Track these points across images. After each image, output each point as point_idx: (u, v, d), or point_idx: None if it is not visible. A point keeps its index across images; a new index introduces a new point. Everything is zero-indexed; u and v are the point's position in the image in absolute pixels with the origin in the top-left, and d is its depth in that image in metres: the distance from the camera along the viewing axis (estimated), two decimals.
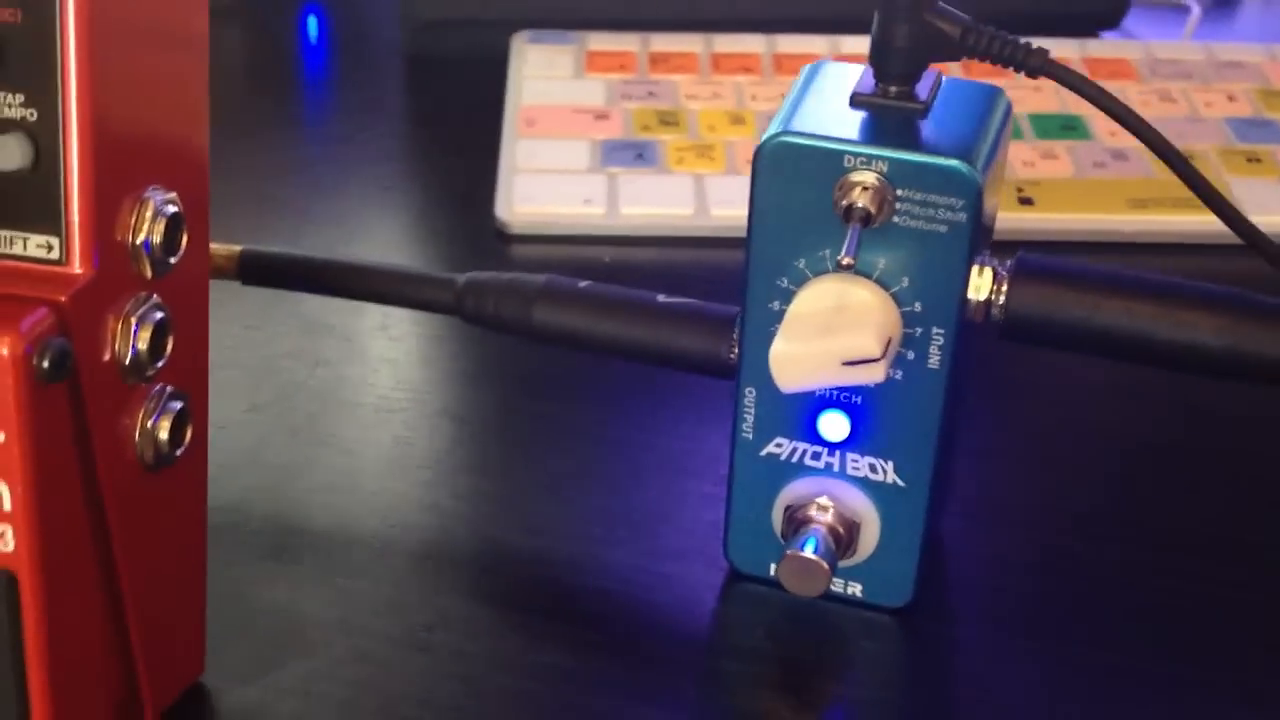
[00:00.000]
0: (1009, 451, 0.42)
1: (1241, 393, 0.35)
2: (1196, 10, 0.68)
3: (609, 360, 0.38)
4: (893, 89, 0.32)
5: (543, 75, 0.58)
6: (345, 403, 0.43)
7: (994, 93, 0.34)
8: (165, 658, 0.32)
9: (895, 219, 0.32)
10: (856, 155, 0.31)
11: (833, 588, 0.36)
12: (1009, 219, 0.51)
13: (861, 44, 0.58)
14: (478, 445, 0.42)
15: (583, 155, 0.53)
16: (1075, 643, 0.36)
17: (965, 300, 0.33)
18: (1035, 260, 0.34)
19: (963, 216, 0.31)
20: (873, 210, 0.31)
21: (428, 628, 0.35)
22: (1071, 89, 0.32)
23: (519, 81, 0.58)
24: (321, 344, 0.45)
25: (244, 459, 0.40)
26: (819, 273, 0.33)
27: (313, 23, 0.70)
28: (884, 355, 0.31)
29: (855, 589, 0.36)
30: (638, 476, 0.40)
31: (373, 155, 0.57)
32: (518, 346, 0.39)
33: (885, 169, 0.31)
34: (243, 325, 0.46)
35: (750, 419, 0.35)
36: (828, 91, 0.33)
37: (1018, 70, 0.32)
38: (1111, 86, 0.58)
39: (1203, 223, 0.52)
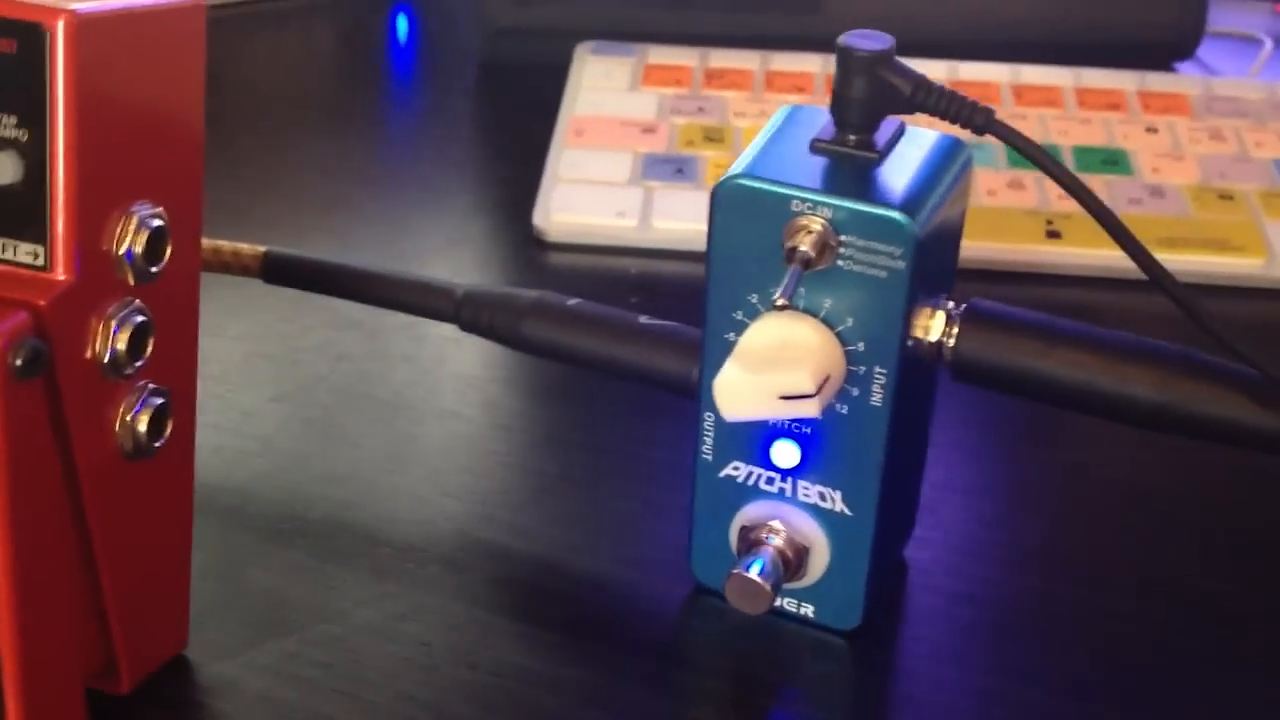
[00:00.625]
0: (983, 489, 0.43)
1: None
2: (1268, 45, 0.67)
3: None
4: (851, 137, 0.34)
5: (599, 86, 0.60)
6: (360, 396, 0.45)
7: (953, 144, 0.35)
8: (144, 631, 0.35)
9: (839, 262, 0.33)
10: (804, 200, 0.33)
11: (786, 607, 0.38)
12: (1034, 251, 0.52)
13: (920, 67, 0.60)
14: (475, 446, 0.44)
15: (624, 168, 0.55)
16: (1022, 683, 0.37)
17: (907, 341, 0.34)
18: (986, 306, 0.35)
19: (901, 264, 0.33)
20: (814, 254, 0.32)
21: (400, 618, 0.38)
22: (1014, 147, 0.33)
23: (576, 91, 0.60)
24: (347, 340, 0.48)
25: (259, 445, 0.43)
26: (770, 308, 0.34)
27: (402, 22, 0.73)
28: (818, 392, 0.33)
29: (808, 610, 0.38)
30: (622, 486, 0.42)
31: (430, 156, 0.59)
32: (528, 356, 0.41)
33: (830, 215, 0.33)
34: (276, 318, 0.48)
35: (710, 441, 0.37)
36: (793, 136, 0.35)
37: (964, 127, 0.33)
38: (1161, 122, 0.58)
39: (1232, 265, 0.52)
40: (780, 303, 0.32)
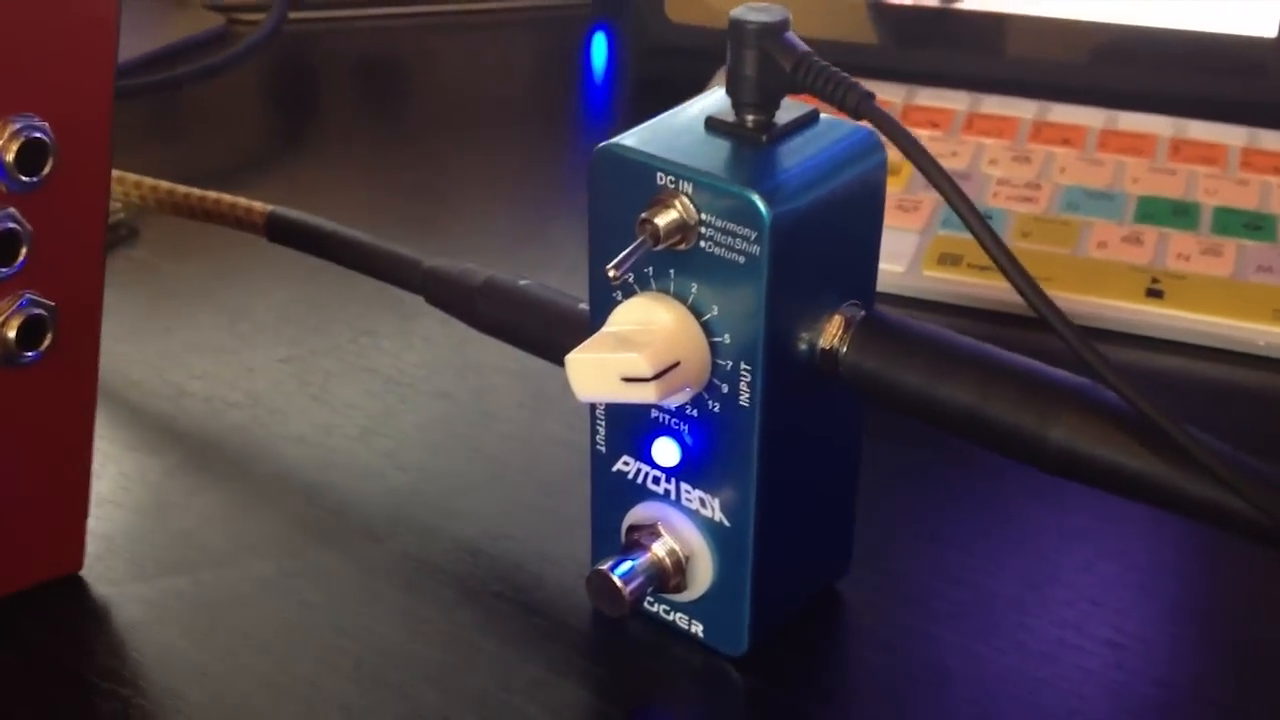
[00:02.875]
0: (951, 537, 0.39)
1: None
2: None
3: None
4: (749, 118, 0.31)
5: None
6: (364, 370, 0.45)
7: (865, 138, 0.32)
8: (25, 543, 0.35)
9: (703, 243, 0.31)
10: (668, 173, 0.31)
11: (678, 623, 0.35)
12: (1126, 309, 0.47)
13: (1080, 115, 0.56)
14: (451, 428, 0.43)
15: None
16: None
17: (790, 341, 0.31)
18: (888, 318, 0.32)
19: (757, 250, 0.30)
20: (661, 225, 0.30)
21: (293, 574, 0.37)
22: (886, 135, 0.30)
23: None
24: (380, 316, 0.48)
25: (248, 400, 0.44)
26: (644, 289, 0.32)
27: (599, 40, 0.73)
28: (658, 377, 0.31)
29: (697, 629, 0.35)
30: (573, 480, 0.41)
31: (573, 183, 0.58)
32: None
33: (691, 191, 0.30)
34: (320, 287, 0.49)
35: (602, 430, 0.35)
36: (699, 114, 0.33)
37: (839, 109, 0.30)
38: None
39: None
40: (611, 274, 0.30)
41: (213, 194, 0.45)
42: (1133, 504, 0.40)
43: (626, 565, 0.34)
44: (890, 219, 0.51)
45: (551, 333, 0.37)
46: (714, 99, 0.33)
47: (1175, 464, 0.29)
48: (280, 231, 0.43)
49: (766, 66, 0.31)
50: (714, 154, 0.31)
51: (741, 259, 0.30)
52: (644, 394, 0.31)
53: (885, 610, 0.37)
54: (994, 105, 0.58)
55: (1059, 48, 0.61)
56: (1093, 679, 0.35)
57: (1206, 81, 0.60)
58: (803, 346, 0.32)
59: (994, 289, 0.48)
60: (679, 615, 0.35)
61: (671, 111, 0.33)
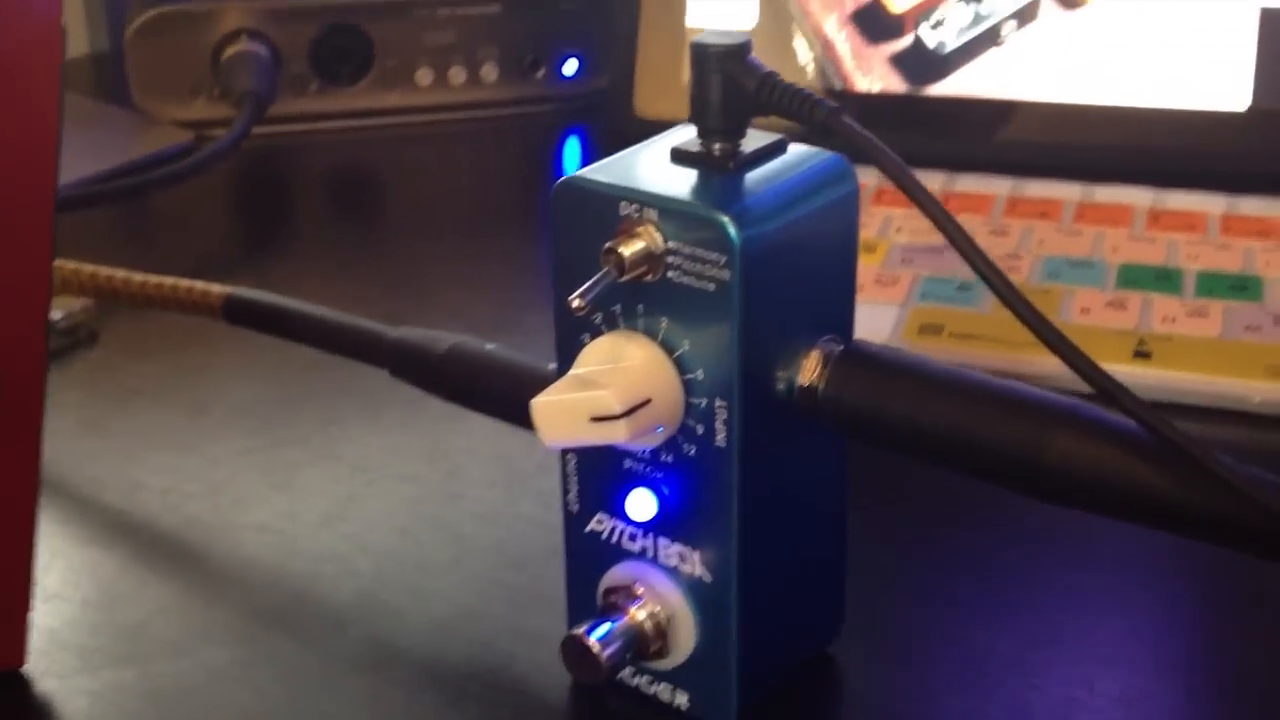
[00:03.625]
0: (954, 597, 0.37)
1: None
2: None
3: None
4: (715, 146, 0.30)
5: None
6: (329, 457, 0.44)
7: (835, 164, 0.31)
8: None
9: (670, 273, 0.29)
10: (631, 201, 0.29)
11: (660, 696, 0.33)
12: (1117, 371, 0.45)
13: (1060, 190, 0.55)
14: (419, 510, 0.41)
15: None
16: None
17: (768, 378, 0.30)
18: (864, 348, 0.31)
19: (726, 274, 0.29)
20: (627, 255, 0.29)
21: (247, 664, 0.35)
22: (857, 146, 0.29)
23: None
24: (345, 405, 0.46)
25: (207, 490, 0.42)
26: (612, 329, 0.31)
27: (572, 143, 0.72)
28: (628, 414, 0.29)
29: (681, 699, 0.33)
30: (547, 557, 0.39)
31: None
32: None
33: (656, 218, 0.29)
34: (285, 381, 0.48)
35: (574, 488, 0.33)
36: (660, 146, 0.31)
37: (804, 123, 0.29)
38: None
39: None
40: (575, 303, 0.29)
41: (169, 280, 0.44)
42: (1132, 553, 0.38)
43: (604, 629, 0.32)
44: (869, 293, 0.50)
45: (520, 396, 0.35)
46: (679, 132, 0.32)
47: (1180, 480, 0.27)
48: (238, 313, 0.42)
49: (731, 90, 0.30)
50: (680, 182, 0.30)
51: (712, 286, 0.29)
52: (614, 433, 0.29)
53: (881, 674, 0.35)
54: (969, 183, 0.57)
55: (1031, 129, 0.61)
56: None
57: (1180, 156, 0.59)
58: (780, 385, 0.30)
59: (977, 355, 0.47)
60: (661, 686, 0.33)
61: (635, 147, 0.32)
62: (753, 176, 0.30)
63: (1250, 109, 0.59)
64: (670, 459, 0.31)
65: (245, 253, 0.61)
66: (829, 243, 0.31)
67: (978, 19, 0.61)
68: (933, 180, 0.57)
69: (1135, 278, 0.51)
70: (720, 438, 0.30)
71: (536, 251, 0.59)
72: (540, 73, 0.72)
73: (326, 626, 0.37)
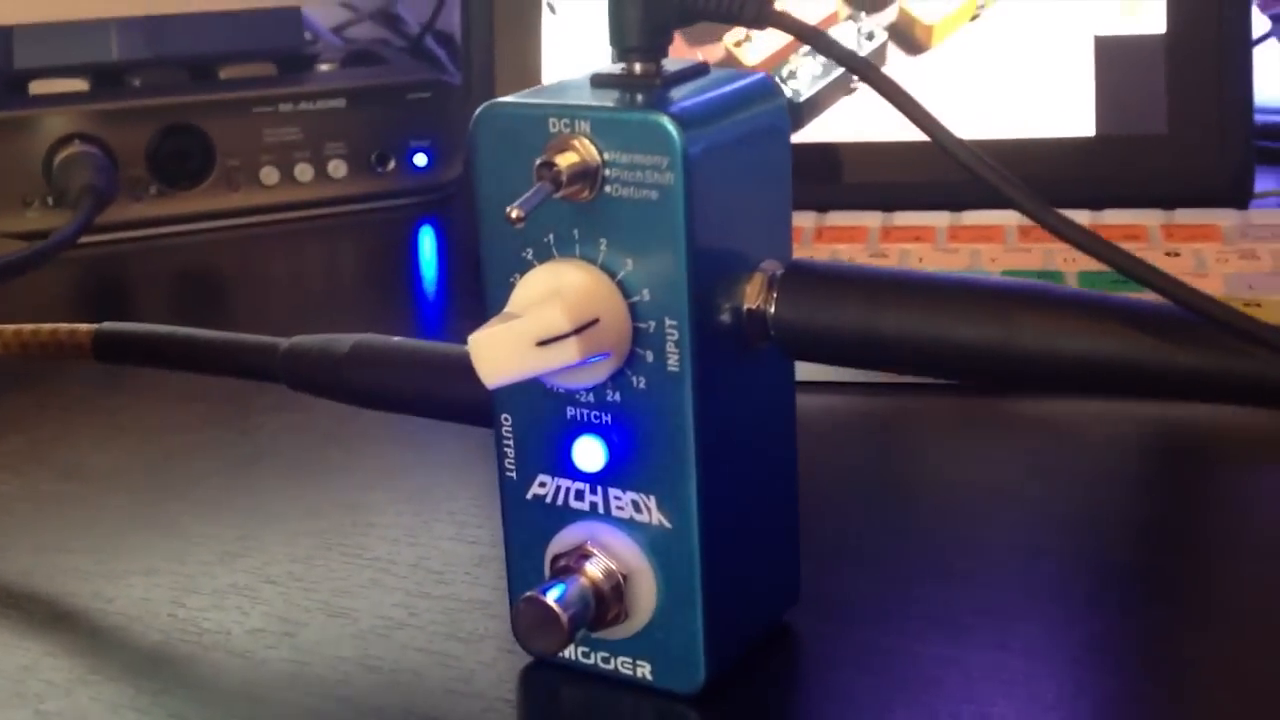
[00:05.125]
0: (896, 553, 0.36)
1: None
2: None
3: None
4: (636, 67, 0.29)
5: None
6: (219, 506, 0.41)
7: (761, 82, 0.30)
8: None
9: (607, 188, 0.28)
10: (561, 117, 0.28)
11: (622, 670, 0.31)
12: None
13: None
14: (325, 541, 0.38)
15: None
16: None
17: (703, 288, 0.28)
18: (808, 264, 0.29)
19: (670, 178, 0.27)
20: (564, 166, 0.27)
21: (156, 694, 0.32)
22: (793, 34, 0.28)
23: None
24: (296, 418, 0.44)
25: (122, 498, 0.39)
26: (544, 260, 0.29)
27: (426, 231, 0.70)
28: (579, 331, 0.27)
29: (644, 670, 0.31)
30: (471, 567, 0.36)
31: None
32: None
33: (588, 129, 0.28)
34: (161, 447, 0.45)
35: (511, 453, 0.31)
36: (578, 79, 0.30)
37: (735, 22, 0.28)
38: (1186, 249, 0.52)
39: None
40: (514, 214, 0.27)
41: (29, 326, 0.40)
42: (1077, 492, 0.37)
43: (558, 589, 0.29)
44: None
45: (434, 384, 0.34)
46: (596, 66, 0.30)
47: (1160, 338, 0.26)
48: (110, 348, 0.39)
49: (652, 2, 0.29)
50: (608, 98, 0.29)
51: (654, 194, 0.27)
52: (564, 355, 0.27)
53: (845, 632, 0.33)
54: (840, 218, 0.57)
55: (891, 168, 0.61)
56: (1084, 663, 0.31)
57: (1038, 181, 0.60)
58: (725, 314, 0.29)
59: None
60: (621, 661, 0.31)
61: (548, 84, 0.30)
62: (681, 90, 0.29)
63: (1097, 135, 0.61)
64: (618, 397, 0.29)
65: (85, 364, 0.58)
66: (763, 160, 0.30)
67: (828, 68, 0.62)
68: (804, 219, 0.57)
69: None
70: (673, 361, 0.28)
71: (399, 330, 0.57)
72: (389, 166, 0.70)
73: (237, 657, 0.33)
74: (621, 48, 0.29)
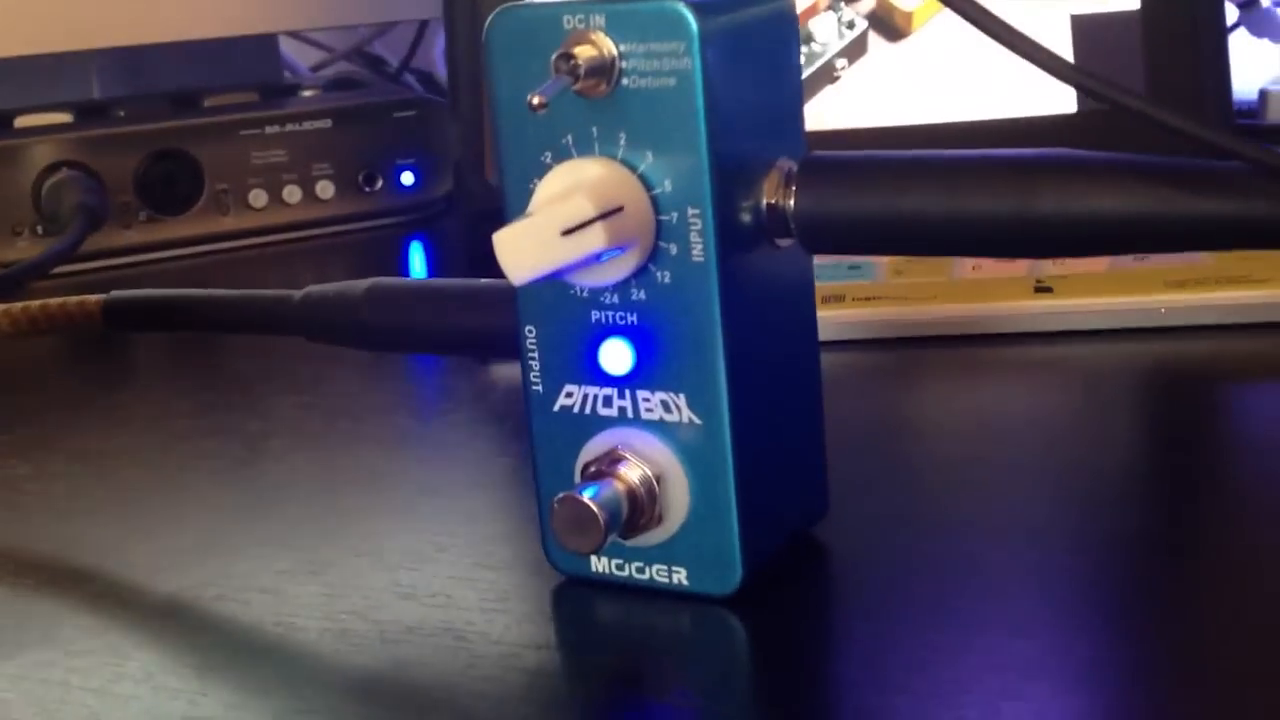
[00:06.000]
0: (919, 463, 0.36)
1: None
2: None
3: None
4: None
5: None
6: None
7: None
8: None
9: (625, 81, 0.28)
10: (575, 13, 0.28)
11: (658, 578, 0.31)
12: (1024, 308, 0.46)
13: None
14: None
15: None
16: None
17: (724, 175, 0.28)
18: (827, 156, 0.30)
19: (687, 63, 0.28)
20: (580, 63, 0.28)
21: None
22: None
23: None
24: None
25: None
26: (563, 159, 0.29)
27: (415, 248, 0.70)
28: (602, 217, 0.27)
29: (680, 575, 0.30)
30: (485, 487, 0.36)
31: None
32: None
33: (604, 22, 0.28)
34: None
35: (536, 365, 0.31)
36: None
37: None
38: None
39: (1258, 297, 0.45)
40: (536, 101, 0.27)
41: (37, 302, 0.40)
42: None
43: (592, 489, 0.29)
44: None
45: (454, 317, 0.34)
46: None
47: (1181, 189, 0.27)
48: (121, 315, 0.39)
49: None
50: None
51: (672, 81, 0.28)
52: (591, 241, 0.27)
53: (880, 538, 0.33)
54: None
55: None
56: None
57: None
58: (746, 208, 0.29)
59: (881, 314, 0.46)
60: (656, 568, 0.31)
61: None
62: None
63: (1079, 110, 0.61)
64: (643, 295, 0.29)
65: (82, 397, 0.55)
66: (772, 57, 0.30)
67: (811, 57, 0.63)
68: None
69: None
70: (697, 251, 0.28)
71: (380, 369, 0.56)
72: (377, 186, 0.71)
73: (267, 588, 0.33)
74: None
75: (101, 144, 0.66)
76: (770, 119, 0.30)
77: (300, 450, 0.42)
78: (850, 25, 0.62)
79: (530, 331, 0.31)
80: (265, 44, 0.78)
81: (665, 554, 0.30)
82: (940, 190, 0.28)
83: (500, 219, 0.29)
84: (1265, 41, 0.78)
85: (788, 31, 0.30)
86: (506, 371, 0.46)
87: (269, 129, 0.69)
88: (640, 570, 0.31)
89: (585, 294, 0.30)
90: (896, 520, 0.34)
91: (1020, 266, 0.49)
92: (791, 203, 0.29)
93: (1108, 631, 0.29)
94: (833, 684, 0.28)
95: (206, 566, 0.34)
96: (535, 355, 0.31)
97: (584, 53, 0.28)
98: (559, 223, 0.27)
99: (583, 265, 0.28)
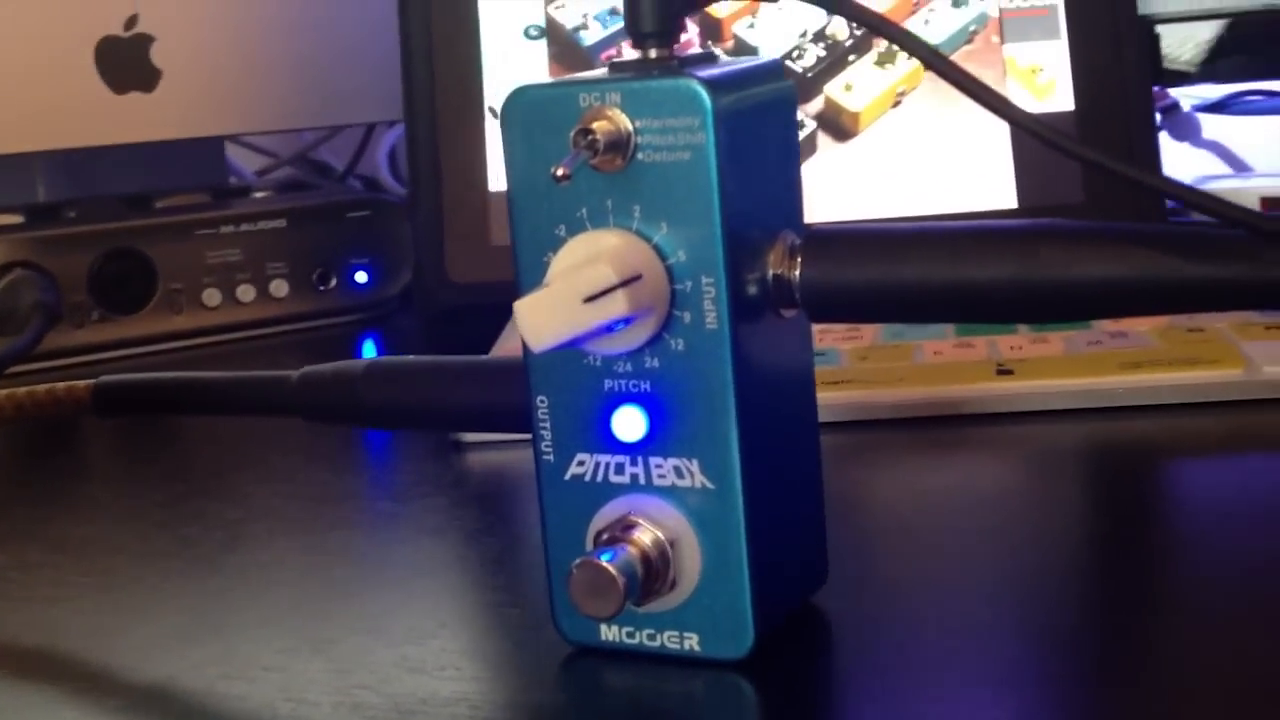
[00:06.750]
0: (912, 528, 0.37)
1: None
2: None
3: None
4: (651, 52, 0.31)
5: None
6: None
7: (770, 63, 0.32)
8: None
9: (639, 155, 0.29)
10: (591, 92, 0.30)
11: (669, 645, 0.31)
12: (987, 389, 0.47)
13: None
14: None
15: None
16: None
17: (736, 245, 0.29)
18: (824, 230, 0.31)
19: (702, 138, 0.29)
20: (599, 137, 0.29)
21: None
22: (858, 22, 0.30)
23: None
24: None
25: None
26: (577, 233, 0.30)
27: (369, 347, 0.70)
28: (625, 284, 0.28)
29: (692, 641, 0.31)
30: (477, 564, 0.36)
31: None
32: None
33: (620, 99, 0.29)
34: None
35: (548, 434, 0.31)
36: (595, 70, 0.32)
37: None
38: None
39: (1208, 377, 0.47)
40: (560, 172, 0.28)
41: (23, 389, 0.40)
42: None
43: (608, 554, 0.30)
44: None
45: (458, 393, 0.34)
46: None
47: (1180, 253, 0.28)
48: (111, 400, 0.39)
49: None
50: (630, 72, 0.30)
51: (687, 155, 0.29)
52: (613, 308, 0.28)
53: (874, 606, 0.33)
54: None
55: None
56: None
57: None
58: (754, 279, 0.30)
59: (847, 396, 0.47)
60: (668, 635, 0.31)
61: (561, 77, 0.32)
62: (698, 69, 0.30)
63: (1019, 206, 0.64)
64: (656, 363, 0.30)
65: (48, 489, 0.52)
66: (776, 133, 0.31)
67: None
68: None
69: (971, 328, 0.53)
70: (710, 319, 0.29)
71: (351, 457, 0.54)
72: (331, 284, 0.71)
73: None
74: (637, 34, 0.31)
75: (54, 244, 0.66)
76: (774, 193, 0.31)
77: (283, 535, 0.42)
78: (799, 126, 0.64)
79: (542, 402, 0.31)
80: (212, 148, 0.79)
81: (677, 619, 0.31)
82: (942, 258, 0.30)
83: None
84: (1185, 144, 0.81)
85: (790, 112, 0.32)
86: (480, 456, 0.47)
87: (224, 229, 0.69)
88: (651, 637, 0.31)
89: (598, 362, 0.31)
90: (889, 584, 0.35)
91: (979, 353, 0.50)
92: (797, 273, 0.30)
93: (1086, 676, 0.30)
94: None
95: (206, 647, 0.34)
96: (547, 425, 0.31)
97: (602, 128, 0.29)
98: (581, 290, 0.28)
99: (601, 333, 0.29)
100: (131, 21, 0.70)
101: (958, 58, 0.64)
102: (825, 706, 0.30)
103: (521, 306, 0.29)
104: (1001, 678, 0.30)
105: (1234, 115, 0.77)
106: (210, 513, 0.44)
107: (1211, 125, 0.80)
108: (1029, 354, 0.50)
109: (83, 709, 0.32)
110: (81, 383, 0.39)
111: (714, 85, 0.29)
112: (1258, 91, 0.78)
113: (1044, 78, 0.64)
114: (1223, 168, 0.79)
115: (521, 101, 0.30)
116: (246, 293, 0.70)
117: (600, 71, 0.31)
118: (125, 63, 0.70)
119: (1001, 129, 0.63)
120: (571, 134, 0.29)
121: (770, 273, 0.30)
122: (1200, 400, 0.47)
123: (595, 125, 0.29)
